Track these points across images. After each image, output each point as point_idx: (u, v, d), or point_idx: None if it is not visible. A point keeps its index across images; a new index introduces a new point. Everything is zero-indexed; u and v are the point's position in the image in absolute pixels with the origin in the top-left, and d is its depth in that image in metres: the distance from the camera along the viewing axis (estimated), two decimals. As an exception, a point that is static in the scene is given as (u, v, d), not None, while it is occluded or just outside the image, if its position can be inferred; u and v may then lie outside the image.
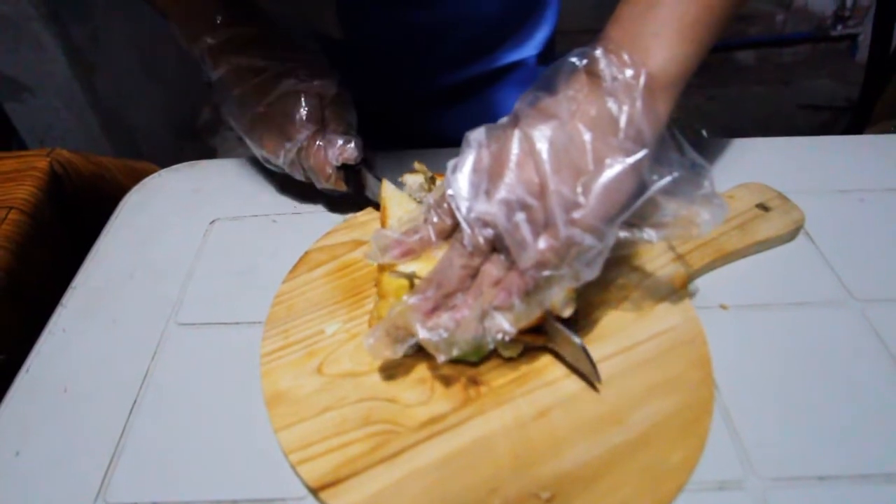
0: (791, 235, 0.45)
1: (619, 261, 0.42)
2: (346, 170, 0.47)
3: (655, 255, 0.43)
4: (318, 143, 0.47)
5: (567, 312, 0.36)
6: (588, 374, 0.36)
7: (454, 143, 0.56)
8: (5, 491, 0.35)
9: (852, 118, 1.45)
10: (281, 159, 0.47)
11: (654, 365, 0.37)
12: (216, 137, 1.90)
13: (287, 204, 0.52)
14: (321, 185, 0.48)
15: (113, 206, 0.54)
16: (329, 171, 0.47)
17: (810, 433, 0.35)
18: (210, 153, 1.82)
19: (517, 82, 0.65)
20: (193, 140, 1.87)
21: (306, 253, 0.46)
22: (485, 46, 0.61)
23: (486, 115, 0.66)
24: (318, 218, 0.51)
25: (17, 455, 0.36)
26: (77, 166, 0.58)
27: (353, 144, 0.47)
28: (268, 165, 0.50)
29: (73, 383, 0.40)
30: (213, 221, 0.51)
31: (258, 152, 0.49)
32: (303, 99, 0.47)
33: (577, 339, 0.36)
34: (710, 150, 0.54)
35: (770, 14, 2.13)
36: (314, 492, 0.33)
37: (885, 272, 0.43)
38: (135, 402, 0.39)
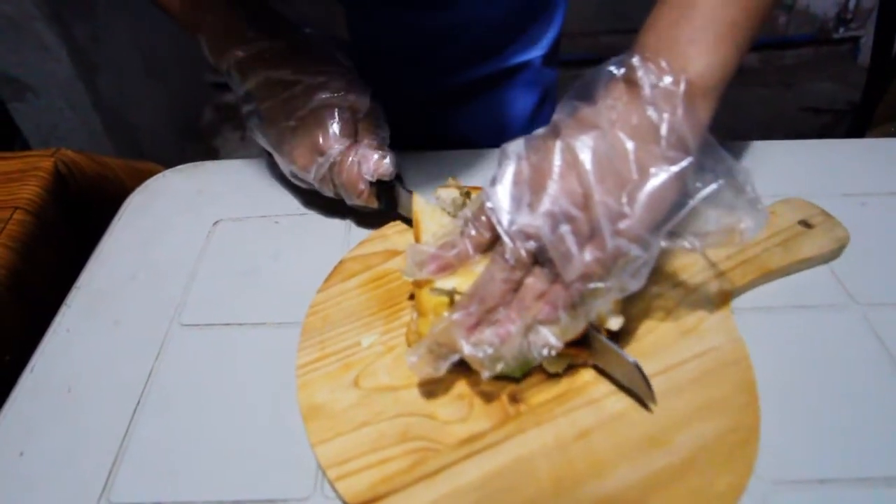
0: (834, 254, 0.44)
1: (662, 277, 0.42)
2: (379, 185, 0.46)
3: (697, 272, 0.42)
4: (351, 158, 0.45)
5: (616, 325, 0.35)
6: (643, 396, 0.36)
7: (459, 144, 0.57)
8: (9, 491, 0.35)
9: (853, 121, 1.45)
10: (312, 175, 0.46)
11: (698, 385, 0.37)
12: (219, 138, 1.89)
13: (290, 205, 0.52)
14: (352, 201, 0.47)
15: (117, 207, 0.54)
16: (362, 187, 0.46)
17: (811, 436, 0.35)
18: (213, 153, 1.82)
19: (523, 83, 0.64)
20: (196, 140, 1.86)
21: (340, 262, 0.45)
22: (493, 48, 0.61)
23: (492, 116, 0.66)
24: (321, 219, 0.51)
25: (21, 455, 0.36)
26: (81, 166, 0.58)
27: (388, 160, 0.46)
28: (294, 181, 0.49)
29: (76, 383, 0.40)
30: (216, 222, 0.51)
31: (286, 168, 0.48)
32: (336, 113, 0.46)
33: (630, 358, 0.35)
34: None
35: (773, 16, 2.12)
36: (353, 510, 0.32)
37: (886, 276, 0.43)
38: (138, 402, 0.38)
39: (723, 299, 0.41)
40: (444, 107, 0.64)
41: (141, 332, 0.43)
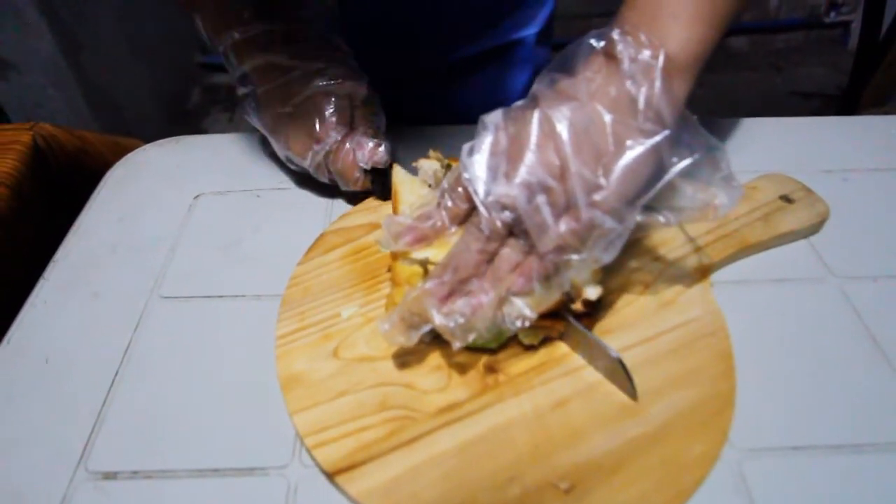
0: (815, 228, 0.45)
1: (641, 251, 0.42)
2: (373, 173, 0.46)
3: (677, 246, 0.42)
4: (347, 146, 0.45)
5: (594, 295, 0.36)
6: (624, 391, 0.35)
7: (449, 121, 0.56)
8: (-13, 460, 0.35)
9: (840, 106, 1.45)
10: (307, 161, 0.46)
11: (675, 356, 0.37)
12: (207, 119, 1.87)
13: (272, 179, 0.52)
14: (346, 187, 0.47)
15: (97, 181, 0.54)
16: (357, 175, 0.46)
17: (786, 405, 0.35)
18: (201, 135, 1.80)
19: (517, 61, 0.64)
20: (184, 121, 1.84)
21: (322, 235, 0.45)
22: (487, 24, 0.60)
23: (485, 94, 0.66)
24: (303, 194, 0.50)
25: (-1, 425, 0.36)
26: (60, 141, 0.57)
27: (382, 148, 0.46)
28: (290, 165, 0.49)
29: (54, 355, 0.40)
30: (197, 196, 0.51)
31: (282, 152, 0.48)
32: (333, 100, 0.46)
33: (613, 353, 0.35)
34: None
35: (764, -1, 2.12)
36: (330, 476, 0.33)
37: (864, 250, 0.44)
38: (116, 372, 0.38)
39: (702, 273, 0.41)
40: (437, 84, 0.64)
41: (120, 305, 0.42)
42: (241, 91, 0.48)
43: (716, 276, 0.42)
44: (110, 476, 0.34)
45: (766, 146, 0.52)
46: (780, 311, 0.40)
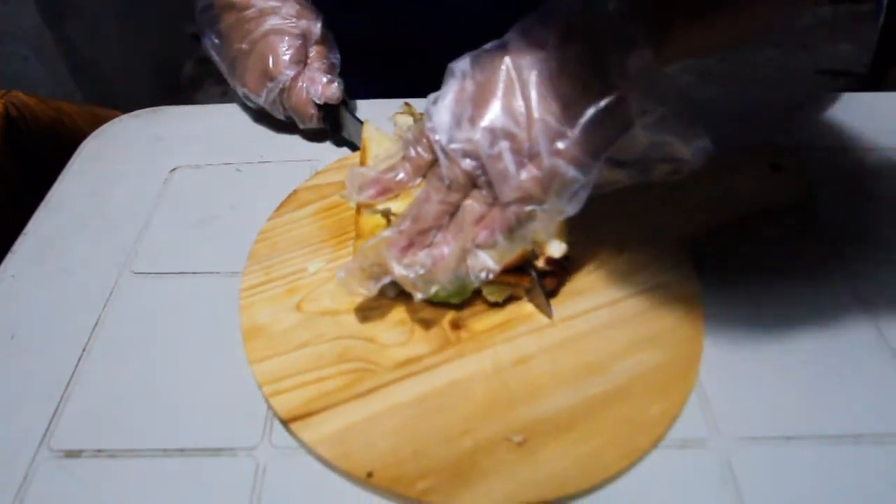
0: (801, 197, 0.43)
1: (617, 213, 0.41)
2: (325, 109, 0.48)
3: (655, 210, 0.41)
4: (300, 83, 0.47)
5: (558, 252, 0.35)
6: (540, 307, 0.36)
7: None
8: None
9: (862, 86, 1.40)
10: (262, 98, 0.48)
11: (644, 318, 0.36)
12: (200, 93, 1.83)
13: (253, 153, 0.50)
14: (303, 125, 0.49)
15: (73, 153, 0.53)
16: (311, 111, 0.47)
17: (780, 393, 0.34)
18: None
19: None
20: (176, 95, 1.79)
21: (294, 191, 0.45)
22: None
23: None
24: (284, 167, 0.49)
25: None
26: (34, 110, 0.56)
27: (335, 84, 0.47)
28: (247, 102, 0.50)
29: (20, 330, 0.39)
30: (173, 170, 0.50)
31: (239, 90, 0.49)
32: (286, 39, 0.47)
33: (533, 274, 0.36)
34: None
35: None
36: (285, 423, 0.33)
37: (876, 234, 0.42)
38: (84, 349, 0.38)
39: (679, 238, 0.40)
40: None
41: (90, 280, 0.41)
42: (201, 27, 0.49)
43: (712, 259, 0.40)
44: (73, 454, 0.33)
45: (754, 114, 0.51)
46: (779, 296, 0.38)
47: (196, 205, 0.47)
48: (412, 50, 0.59)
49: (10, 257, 0.44)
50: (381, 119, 0.47)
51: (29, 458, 0.33)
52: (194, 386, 0.36)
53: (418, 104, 0.52)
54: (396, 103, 0.53)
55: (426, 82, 0.53)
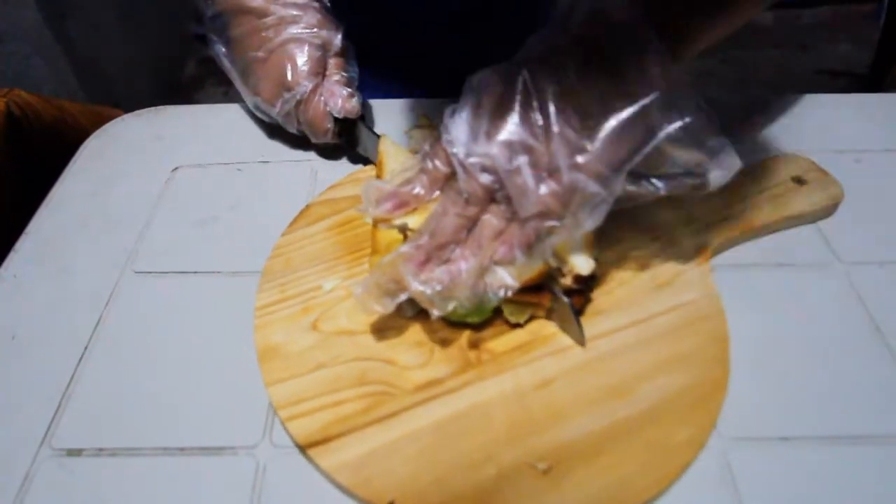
0: (826, 212, 0.42)
1: (640, 229, 0.40)
2: (342, 123, 0.46)
3: (678, 226, 0.41)
4: (318, 96, 0.45)
5: (586, 269, 0.34)
6: (572, 336, 0.35)
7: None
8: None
9: (862, 86, 1.39)
10: (277, 109, 0.46)
11: (668, 339, 0.35)
12: (201, 93, 1.82)
13: (253, 152, 0.50)
14: (316, 139, 0.47)
15: (76, 152, 0.52)
16: (328, 125, 0.46)
17: (778, 394, 0.34)
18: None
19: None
20: (177, 94, 1.78)
21: (307, 206, 0.44)
22: None
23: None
24: (285, 167, 0.49)
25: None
26: (37, 109, 0.56)
27: (355, 98, 0.45)
28: (258, 113, 0.49)
29: (22, 330, 0.39)
30: (175, 169, 0.50)
31: (250, 99, 0.48)
32: (306, 49, 0.45)
33: (564, 298, 0.35)
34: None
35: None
36: (302, 449, 0.32)
37: (873, 235, 0.42)
38: (85, 348, 0.37)
39: (702, 254, 0.39)
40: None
41: (91, 279, 0.41)
42: (211, 34, 0.48)
43: (718, 260, 0.40)
44: (74, 453, 0.33)
45: (775, 124, 0.50)
46: (783, 297, 0.38)
47: (197, 204, 0.46)
48: (413, 51, 0.59)
49: (12, 256, 0.44)
50: (382, 121, 0.47)
51: (30, 456, 0.33)
52: (195, 385, 0.35)
53: (418, 104, 0.52)
54: (396, 104, 0.52)
55: (426, 83, 0.53)
